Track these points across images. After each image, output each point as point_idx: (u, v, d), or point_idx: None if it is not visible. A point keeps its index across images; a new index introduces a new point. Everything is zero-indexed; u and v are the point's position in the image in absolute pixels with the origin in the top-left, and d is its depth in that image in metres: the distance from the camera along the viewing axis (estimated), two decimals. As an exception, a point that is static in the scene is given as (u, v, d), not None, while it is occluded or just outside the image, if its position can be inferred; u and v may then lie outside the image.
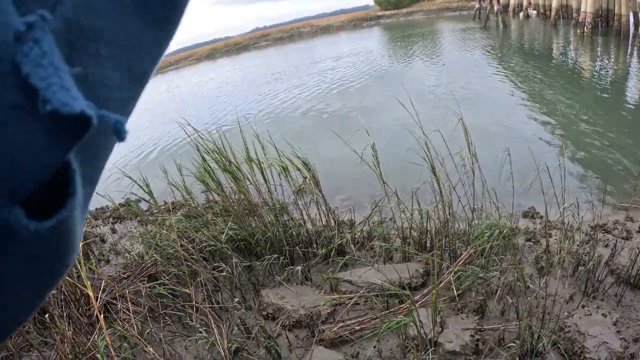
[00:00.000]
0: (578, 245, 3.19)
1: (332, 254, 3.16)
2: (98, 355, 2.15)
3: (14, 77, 0.16)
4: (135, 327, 2.66)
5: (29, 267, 0.21)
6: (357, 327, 2.56)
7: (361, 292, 2.78)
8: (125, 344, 2.62)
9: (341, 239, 3.23)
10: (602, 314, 2.44)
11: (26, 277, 0.21)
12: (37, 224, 0.19)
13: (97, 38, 0.20)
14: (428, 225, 3.15)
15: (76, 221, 0.21)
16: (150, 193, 3.50)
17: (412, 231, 3.29)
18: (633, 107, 7.18)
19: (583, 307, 2.58)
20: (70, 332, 2.50)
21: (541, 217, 3.81)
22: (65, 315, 2.70)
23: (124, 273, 3.35)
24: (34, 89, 0.16)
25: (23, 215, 0.18)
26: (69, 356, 2.38)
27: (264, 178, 3.34)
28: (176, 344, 2.75)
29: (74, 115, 0.17)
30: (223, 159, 3.27)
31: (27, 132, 0.17)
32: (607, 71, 9.96)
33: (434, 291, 2.06)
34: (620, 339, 2.28)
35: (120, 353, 2.54)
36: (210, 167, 3.35)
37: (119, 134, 0.19)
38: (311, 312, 2.72)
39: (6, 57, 0.16)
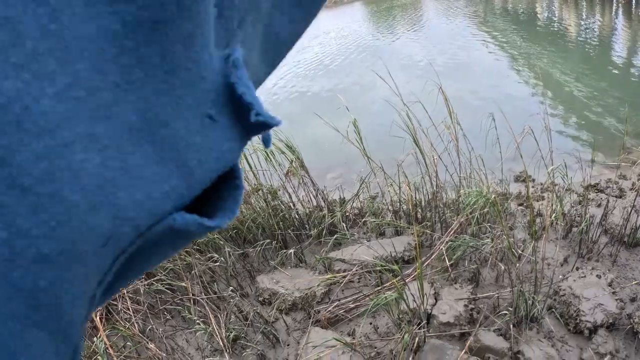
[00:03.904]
0: (571, 206, 3.18)
1: (323, 234, 3.15)
2: (99, 357, 2.15)
3: (216, 92, 0.20)
4: (137, 325, 2.67)
5: (166, 253, 0.24)
6: (352, 305, 2.56)
7: (354, 269, 2.77)
8: (128, 342, 2.63)
9: (332, 218, 3.21)
10: (597, 275, 2.44)
11: (161, 259, 0.24)
12: (212, 221, 0.21)
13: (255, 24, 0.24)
14: (417, 196, 3.13)
15: None
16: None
17: (401, 204, 3.27)
18: (619, 65, 7.13)
19: (577, 269, 2.58)
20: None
21: (533, 181, 3.80)
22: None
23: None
24: (247, 105, 0.20)
25: (192, 218, 0.21)
26: (73, 363, 2.38)
27: (249, 165, 3.31)
28: (177, 337, 2.76)
29: (275, 124, 0.21)
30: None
31: (215, 137, 0.21)
32: (593, 31, 9.85)
33: (418, 265, 2.05)
34: (616, 299, 2.28)
35: (124, 352, 2.55)
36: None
37: (267, 142, 0.26)
38: (306, 294, 2.72)
39: (211, 77, 0.20)
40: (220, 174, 0.22)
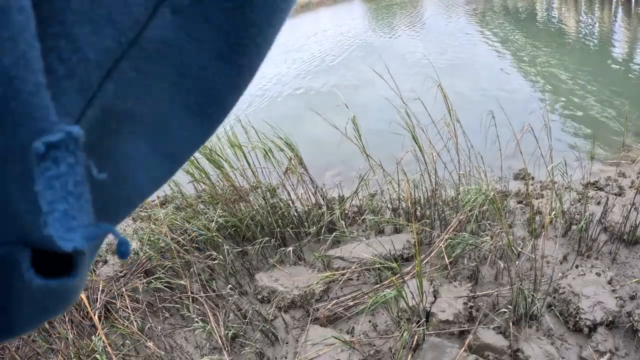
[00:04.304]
0: (571, 203, 3.17)
1: (322, 232, 3.15)
2: (98, 356, 2.14)
3: (25, 178, 0.17)
4: (136, 324, 2.66)
5: (30, 301, 0.21)
6: (351, 303, 2.56)
7: (353, 267, 2.77)
8: (127, 341, 2.62)
9: (331, 216, 3.21)
10: (597, 273, 2.43)
11: (29, 310, 0.22)
12: (42, 281, 0.19)
13: (133, 121, 0.21)
14: (416, 194, 3.12)
15: (84, 276, 0.22)
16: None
17: (400, 202, 3.27)
18: (619, 63, 7.12)
19: (577, 267, 2.57)
20: (72, 336, 2.50)
21: (532, 179, 3.80)
22: (67, 319, 2.69)
23: (120, 272, 3.33)
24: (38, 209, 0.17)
25: (26, 264, 0.19)
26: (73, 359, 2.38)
27: (248, 163, 3.30)
28: (176, 335, 2.76)
29: (64, 250, 0.17)
30: (204, 147, 3.22)
31: (31, 220, 0.18)
32: (593, 28, 9.84)
33: (417, 263, 2.04)
34: (616, 297, 2.28)
35: (122, 350, 2.55)
36: (193, 156, 3.30)
37: (122, 254, 0.21)
38: (305, 292, 2.71)
39: (24, 161, 0.16)
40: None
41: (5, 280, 0.20)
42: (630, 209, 2.75)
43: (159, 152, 0.23)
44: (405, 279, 2.45)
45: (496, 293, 2.43)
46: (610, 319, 2.20)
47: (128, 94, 0.20)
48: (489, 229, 2.79)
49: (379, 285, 2.57)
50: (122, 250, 0.21)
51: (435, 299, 2.42)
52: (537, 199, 3.48)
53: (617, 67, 6.91)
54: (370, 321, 2.51)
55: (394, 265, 2.14)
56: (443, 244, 2.59)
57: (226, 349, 2.41)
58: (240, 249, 3.19)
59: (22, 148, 0.16)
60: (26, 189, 0.17)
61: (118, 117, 0.20)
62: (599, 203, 3.24)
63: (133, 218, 4.55)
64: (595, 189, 3.56)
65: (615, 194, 3.36)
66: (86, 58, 0.17)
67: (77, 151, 0.17)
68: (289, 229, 3.24)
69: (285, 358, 2.44)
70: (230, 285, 2.85)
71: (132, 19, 0.18)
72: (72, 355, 2.41)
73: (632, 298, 2.38)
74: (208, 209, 3.46)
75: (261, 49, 0.24)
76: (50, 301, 0.22)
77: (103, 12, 0.17)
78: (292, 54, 13.98)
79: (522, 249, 2.69)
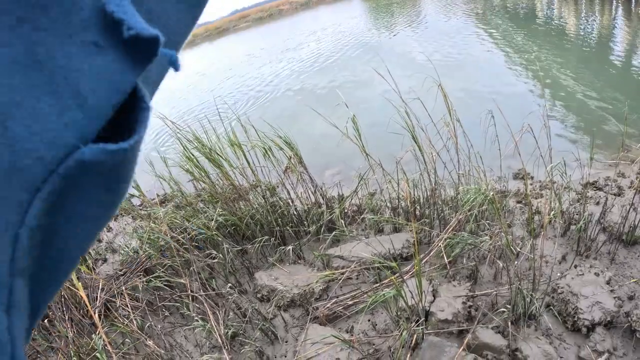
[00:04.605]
0: (570, 203, 3.18)
1: (322, 231, 3.15)
2: (98, 354, 2.15)
3: (95, 19, 0.20)
4: (135, 322, 2.67)
5: (101, 196, 0.23)
6: (351, 302, 2.56)
7: (352, 266, 2.77)
8: (127, 339, 2.63)
9: (330, 215, 3.21)
10: (595, 273, 2.44)
11: (96, 206, 0.24)
12: (116, 145, 0.21)
13: (140, 3, 0.23)
14: (415, 194, 3.13)
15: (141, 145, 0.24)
16: (138, 187, 3.49)
17: (400, 201, 3.27)
18: (619, 63, 7.12)
19: (576, 267, 2.58)
20: (72, 334, 2.50)
21: (532, 178, 3.80)
22: (67, 318, 2.70)
23: (120, 270, 3.34)
24: (118, 21, 0.20)
25: (96, 147, 0.21)
26: (73, 358, 2.38)
27: (247, 161, 3.30)
28: (176, 334, 2.77)
29: (150, 37, 0.21)
30: (204, 147, 3.22)
31: (103, 63, 0.21)
32: (592, 28, 9.84)
33: (417, 262, 2.05)
34: (614, 297, 2.28)
35: (122, 349, 2.55)
36: (193, 155, 3.30)
37: (175, 64, 0.25)
38: (305, 291, 2.72)
39: (89, 5, 0.20)
40: (125, 100, 0.22)
41: (77, 189, 0.22)
42: (629, 209, 2.75)
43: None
44: (405, 278, 2.46)
45: (495, 292, 2.44)
46: (609, 319, 2.21)
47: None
48: (488, 229, 2.79)
49: (378, 285, 2.58)
50: (174, 58, 0.24)
51: (435, 299, 2.43)
52: (536, 198, 3.49)
53: (617, 67, 6.92)
54: (369, 320, 2.51)
55: (393, 264, 2.15)
56: (442, 244, 2.59)
57: (226, 347, 2.42)
58: (240, 248, 3.20)
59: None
60: (83, 41, 0.20)
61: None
62: (598, 203, 3.25)
63: (133, 216, 4.56)
64: (595, 189, 3.56)
65: (615, 194, 3.37)
66: None
67: None
68: (288, 228, 3.24)
69: (285, 357, 2.44)
70: (230, 284, 2.86)
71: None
72: (72, 354, 2.42)
73: (631, 298, 2.38)
74: (208, 207, 3.46)
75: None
76: (125, 169, 0.24)
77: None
78: (291, 52, 13.96)
79: (521, 248, 2.69)
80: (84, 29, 0.20)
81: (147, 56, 0.22)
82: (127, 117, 0.23)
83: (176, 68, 0.25)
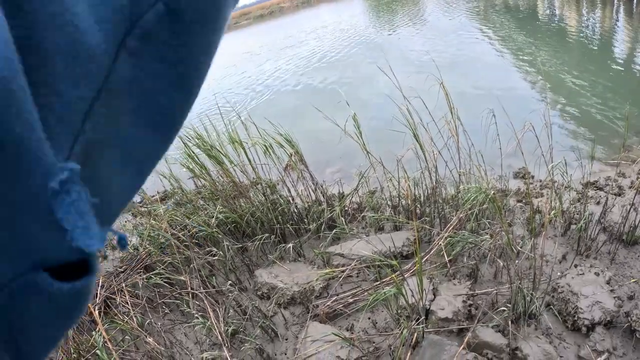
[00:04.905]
0: (570, 203, 3.18)
1: (322, 229, 3.15)
2: (98, 352, 2.15)
3: (44, 214, 0.22)
4: (135, 319, 2.67)
5: (53, 315, 0.26)
6: (351, 300, 2.56)
7: (353, 264, 2.77)
8: (127, 336, 2.63)
9: (331, 213, 3.21)
10: (595, 272, 2.44)
11: (49, 323, 0.26)
12: (62, 284, 0.24)
13: (110, 146, 0.26)
14: (416, 192, 3.13)
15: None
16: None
17: (400, 199, 3.27)
18: (621, 62, 7.11)
19: (576, 266, 2.58)
20: (71, 332, 2.50)
21: (532, 177, 3.80)
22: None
23: (120, 267, 3.34)
24: (64, 229, 0.22)
25: (48, 278, 0.23)
26: (73, 355, 2.39)
27: (248, 159, 3.30)
28: (176, 331, 2.77)
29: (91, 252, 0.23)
30: (204, 144, 3.22)
31: (51, 242, 0.23)
32: (594, 28, 9.83)
33: (417, 261, 2.05)
34: (614, 297, 2.28)
35: (122, 346, 2.55)
36: (193, 152, 3.30)
37: (122, 247, 0.26)
38: (305, 289, 2.72)
39: (40, 196, 0.21)
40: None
41: (27, 305, 0.24)
42: (630, 209, 2.75)
43: (130, 168, 0.29)
44: (405, 276, 2.46)
45: (495, 291, 2.44)
46: (609, 318, 2.21)
47: (103, 127, 0.24)
48: (488, 228, 2.79)
49: (378, 283, 2.58)
50: (122, 243, 0.26)
51: (435, 297, 2.43)
52: (536, 197, 3.49)
53: (618, 67, 6.91)
54: (369, 318, 2.52)
55: (394, 262, 2.15)
56: (443, 242, 2.59)
57: (226, 345, 2.42)
58: (240, 245, 3.20)
59: (36, 189, 0.21)
60: (43, 220, 0.22)
61: (97, 146, 0.25)
62: (598, 203, 3.25)
63: (133, 214, 4.56)
64: (595, 188, 3.56)
65: (615, 194, 3.37)
66: (70, 107, 0.22)
67: (78, 181, 0.22)
68: (288, 226, 3.24)
69: (285, 354, 2.44)
70: (230, 282, 2.86)
71: (100, 67, 0.23)
72: (72, 351, 2.42)
73: (630, 298, 2.39)
74: (208, 205, 3.46)
75: (202, 73, 0.29)
76: (75, 304, 0.26)
77: (79, 70, 0.22)
78: (292, 49, 13.94)
79: (521, 247, 2.69)
80: (41, 212, 0.22)
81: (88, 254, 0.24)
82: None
83: (123, 248, 0.27)
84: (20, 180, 0.21)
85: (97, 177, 0.25)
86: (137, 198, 4.95)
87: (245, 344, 2.43)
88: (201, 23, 0.27)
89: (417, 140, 2.83)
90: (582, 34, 9.50)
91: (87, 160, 0.24)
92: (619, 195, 3.38)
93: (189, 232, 3.10)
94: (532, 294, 2.23)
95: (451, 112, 2.76)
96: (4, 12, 0.19)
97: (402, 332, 2.12)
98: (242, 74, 12.39)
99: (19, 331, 0.25)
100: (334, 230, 3.07)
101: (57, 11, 0.21)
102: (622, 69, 6.84)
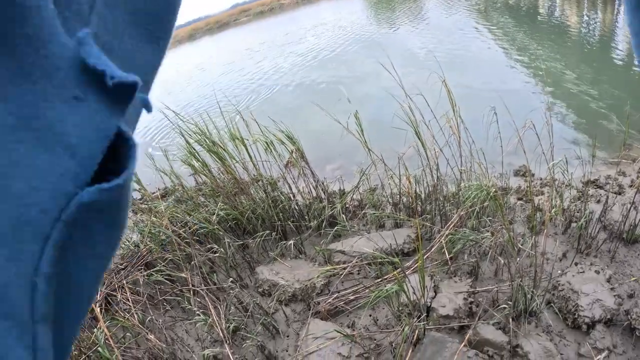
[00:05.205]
0: (570, 201, 3.19)
1: (323, 226, 3.16)
2: (99, 349, 2.16)
3: (73, 75, 0.22)
4: (136, 316, 2.67)
5: (105, 231, 0.26)
6: (352, 297, 2.57)
7: (354, 261, 2.78)
8: (128, 333, 2.63)
9: (332, 210, 3.22)
10: (596, 270, 2.45)
11: (101, 243, 0.26)
12: (110, 183, 0.24)
13: (110, 52, 0.26)
14: (417, 189, 3.13)
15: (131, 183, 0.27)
16: (138, 181, 3.50)
17: (401, 197, 3.27)
18: (621, 61, 7.12)
19: (576, 264, 2.59)
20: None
21: (532, 175, 3.81)
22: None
23: (121, 264, 3.34)
24: (100, 73, 0.23)
25: (93, 188, 0.23)
26: (74, 352, 2.39)
27: (249, 155, 3.30)
28: (177, 328, 2.77)
29: (131, 83, 0.23)
30: (206, 139, 3.22)
31: (86, 113, 0.23)
32: (595, 26, 9.83)
33: (419, 257, 2.06)
34: (614, 295, 2.29)
35: (124, 343, 2.56)
36: (194, 149, 3.30)
37: (147, 106, 0.27)
38: (306, 286, 2.72)
39: (66, 64, 0.22)
40: (112, 142, 0.24)
41: (82, 231, 0.24)
42: (630, 208, 2.76)
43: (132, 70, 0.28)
44: (407, 273, 2.46)
45: (496, 289, 2.45)
46: (609, 316, 2.22)
47: (105, 24, 0.25)
48: (489, 225, 2.80)
49: (380, 280, 2.59)
50: (146, 101, 0.27)
51: (436, 294, 2.44)
52: (536, 195, 3.49)
53: (619, 65, 6.91)
54: (370, 315, 2.52)
55: (396, 259, 2.15)
56: (444, 240, 2.60)
57: (227, 341, 2.43)
58: (241, 242, 3.20)
59: (58, 62, 0.22)
60: (69, 96, 0.23)
61: (100, 44, 0.25)
62: (598, 201, 3.26)
63: (134, 210, 4.55)
64: (595, 187, 3.57)
65: (615, 193, 3.38)
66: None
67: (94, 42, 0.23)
68: (289, 223, 3.25)
69: (287, 351, 2.45)
70: (231, 278, 2.86)
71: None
72: (73, 348, 2.42)
73: (630, 296, 2.39)
74: (209, 201, 3.46)
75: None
76: (121, 204, 0.26)
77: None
78: (292, 46, 13.92)
79: (522, 245, 2.70)
80: (64, 86, 0.22)
81: (125, 101, 0.24)
82: (115, 155, 0.25)
83: (148, 110, 0.28)
84: (43, 49, 0.22)
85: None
86: (137, 195, 4.95)
87: (247, 341, 2.44)
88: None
89: (419, 138, 2.83)
90: (582, 32, 9.50)
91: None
92: (619, 193, 3.39)
93: (189, 229, 3.10)
94: (532, 292, 2.23)
95: (453, 110, 2.76)
96: None
97: (403, 329, 2.13)
98: (240, 71, 12.38)
99: (75, 267, 0.25)
100: (336, 228, 3.08)
101: None
102: (623, 67, 6.84)
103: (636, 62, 0.40)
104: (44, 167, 0.22)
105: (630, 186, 3.46)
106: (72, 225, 0.23)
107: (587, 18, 10.77)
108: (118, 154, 0.25)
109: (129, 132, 0.25)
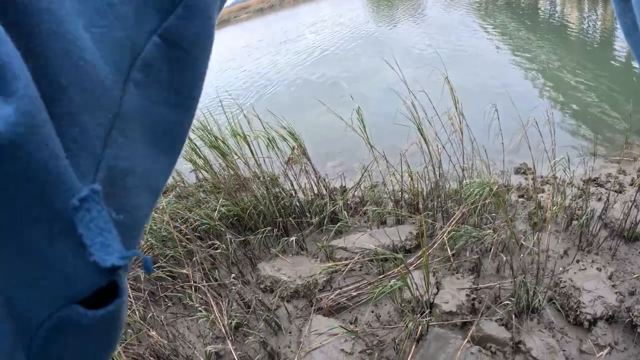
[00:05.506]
0: (571, 199, 3.19)
1: (325, 222, 3.15)
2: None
3: (71, 235, 0.23)
4: (138, 313, 2.67)
5: (91, 346, 0.27)
6: (354, 293, 2.57)
7: (356, 257, 2.78)
8: (129, 330, 2.62)
9: (333, 206, 3.21)
10: (597, 268, 2.46)
11: (88, 355, 0.27)
12: (96, 311, 0.24)
13: (130, 174, 0.28)
14: (419, 186, 3.13)
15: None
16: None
17: (403, 193, 3.28)
18: (622, 60, 7.12)
19: (578, 261, 2.59)
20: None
21: (533, 173, 3.81)
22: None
23: (121, 260, 3.33)
24: (84, 244, 0.23)
25: (81, 309, 0.24)
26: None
27: (251, 151, 3.29)
28: (179, 324, 2.77)
29: (107, 267, 0.23)
30: (208, 135, 3.21)
31: (79, 267, 0.23)
32: (595, 25, 9.83)
33: (423, 253, 2.06)
34: (616, 292, 2.30)
35: (125, 339, 2.55)
36: (196, 144, 3.30)
37: (148, 270, 0.28)
38: (308, 282, 2.72)
39: (65, 218, 0.22)
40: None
41: (64, 342, 0.25)
42: (631, 206, 2.77)
43: (147, 187, 0.30)
44: (410, 269, 2.47)
45: (498, 285, 2.45)
46: (610, 313, 2.22)
47: (121, 153, 0.26)
48: (491, 222, 2.80)
49: (382, 276, 2.59)
50: (147, 267, 0.27)
51: (438, 291, 2.44)
52: (537, 193, 3.50)
53: (620, 64, 6.91)
54: (373, 312, 2.52)
55: (399, 256, 2.16)
56: (446, 236, 2.60)
57: (230, 338, 2.43)
58: (243, 238, 3.20)
59: (59, 211, 0.22)
60: (71, 243, 0.23)
61: (117, 171, 0.26)
62: (599, 199, 3.26)
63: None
64: (596, 185, 3.58)
65: (616, 191, 3.38)
66: (90, 135, 0.24)
67: (100, 201, 0.23)
68: (291, 219, 3.25)
69: (289, 347, 2.45)
70: (233, 275, 2.86)
71: (112, 98, 0.25)
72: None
73: (632, 294, 2.40)
74: (210, 197, 3.46)
75: (199, 93, 0.33)
76: (110, 329, 0.27)
77: (94, 101, 0.24)
78: (292, 43, 13.89)
79: (524, 242, 2.71)
80: (66, 232, 0.23)
81: (112, 273, 0.25)
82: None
83: (148, 273, 0.29)
84: (48, 204, 0.22)
85: (120, 199, 0.27)
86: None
87: (249, 337, 2.44)
88: (195, 51, 0.30)
89: (421, 135, 2.83)
90: (583, 31, 9.50)
91: (110, 184, 0.26)
92: (620, 192, 3.39)
93: (190, 225, 3.10)
94: (535, 289, 2.24)
95: (455, 107, 2.76)
96: (19, 51, 0.20)
97: (407, 325, 2.13)
98: (239, 68, 12.35)
99: None
100: (338, 224, 3.07)
101: (67, 47, 0.23)
102: (624, 66, 6.84)
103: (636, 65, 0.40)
104: (36, 276, 0.23)
105: (631, 185, 3.46)
106: (53, 334, 0.24)
107: (588, 16, 10.77)
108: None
109: (122, 282, 0.26)
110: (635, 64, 6.66)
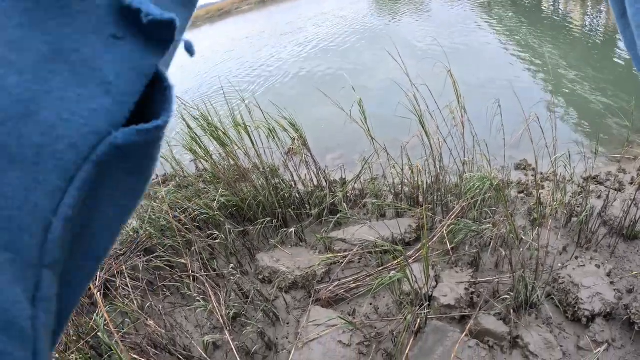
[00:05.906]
0: (571, 196, 3.19)
1: (324, 214, 3.15)
2: (99, 334, 2.15)
3: (111, 14, 0.22)
4: (136, 302, 2.66)
5: (132, 181, 0.25)
6: (353, 285, 2.57)
7: (355, 249, 2.78)
8: (127, 319, 2.62)
9: (333, 198, 3.21)
10: (596, 265, 2.46)
11: (127, 194, 0.25)
12: (148, 124, 0.23)
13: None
14: (419, 179, 3.12)
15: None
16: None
17: (403, 186, 3.27)
18: (625, 58, 7.09)
19: (577, 258, 2.59)
20: (72, 315, 2.49)
21: (533, 169, 3.81)
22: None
23: (120, 249, 3.32)
24: (135, 11, 0.22)
25: (129, 129, 0.22)
26: (73, 338, 2.38)
27: (252, 142, 3.28)
28: (176, 314, 2.77)
29: (166, 20, 0.22)
30: (209, 125, 3.19)
31: (125, 51, 0.22)
32: (599, 23, 9.79)
33: (423, 245, 2.05)
34: (614, 290, 2.30)
35: (122, 328, 2.55)
36: (196, 134, 3.28)
37: (190, 50, 0.27)
38: (307, 273, 2.72)
39: (105, 3, 0.22)
40: (148, 84, 0.24)
41: (111, 172, 0.23)
42: (631, 204, 2.76)
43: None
44: (409, 262, 2.46)
45: (497, 280, 2.45)
46: (608, 310, 2.23)
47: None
48: (490, 217, 2.80)
49: (381, 268, 2.59)
50: (189, 44, 0.26)
51: (437, 284, 2.44)
52: (537, 190, 3.49)
53: (623, 62, 6.89)
54: (371, 304, 2.53)
55: (399, 248, 2.15)
56: (445, 230, 2.60)
57: (227, 328, 2.43)
58: (242, 229, 3.19)
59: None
60: (107, 36, 0.22)
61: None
62: (599, 197, 3.26)
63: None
64: (596, 183, 3.57)
65: (616, 189, 3.38)
66: None
67: None
68: (290, 210, 3.24)
69: (287, 338, 2.45)
70: (231, 265, 2.86)
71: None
72: (72, 333, 2.41)
73: (630, 291, 2.41)
74: (209, 188, 3.45)
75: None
76: (155, 150, 0.25)
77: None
78: (293, 35, 13.83)
79: (523, 237, 2.71)
80: (102, 24, 0.22)
81: (165, 40, 0.24)
82: (151, 100, 0.24)
83: (192, 53, 0.27)
84: None
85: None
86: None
87: (247, 328, 2.44)
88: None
89: (423, 128, 2.81)
90: (586, 29, 9.46)
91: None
92: (619, 190, 3.39)
93: (189, 215, 3.09)
94: (533, 284, 2.24)
95: (458, 101, 2.74)
96: None
97: (405, 318, 2.13)
98: (239, 59, 12.29)
99: (96, 216, 0.23)
100: (338, 216, 3.07)
101: None
102: (627, 64, 6.82)
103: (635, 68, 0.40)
104: (77, 100, 0.21)
105: (631, 183, 3.46)
106: (100, 169, 0.22)
107: (591, 14, 10.72)
108: (152, 100, 0.24)
109: (166, 73, 0.25)
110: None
